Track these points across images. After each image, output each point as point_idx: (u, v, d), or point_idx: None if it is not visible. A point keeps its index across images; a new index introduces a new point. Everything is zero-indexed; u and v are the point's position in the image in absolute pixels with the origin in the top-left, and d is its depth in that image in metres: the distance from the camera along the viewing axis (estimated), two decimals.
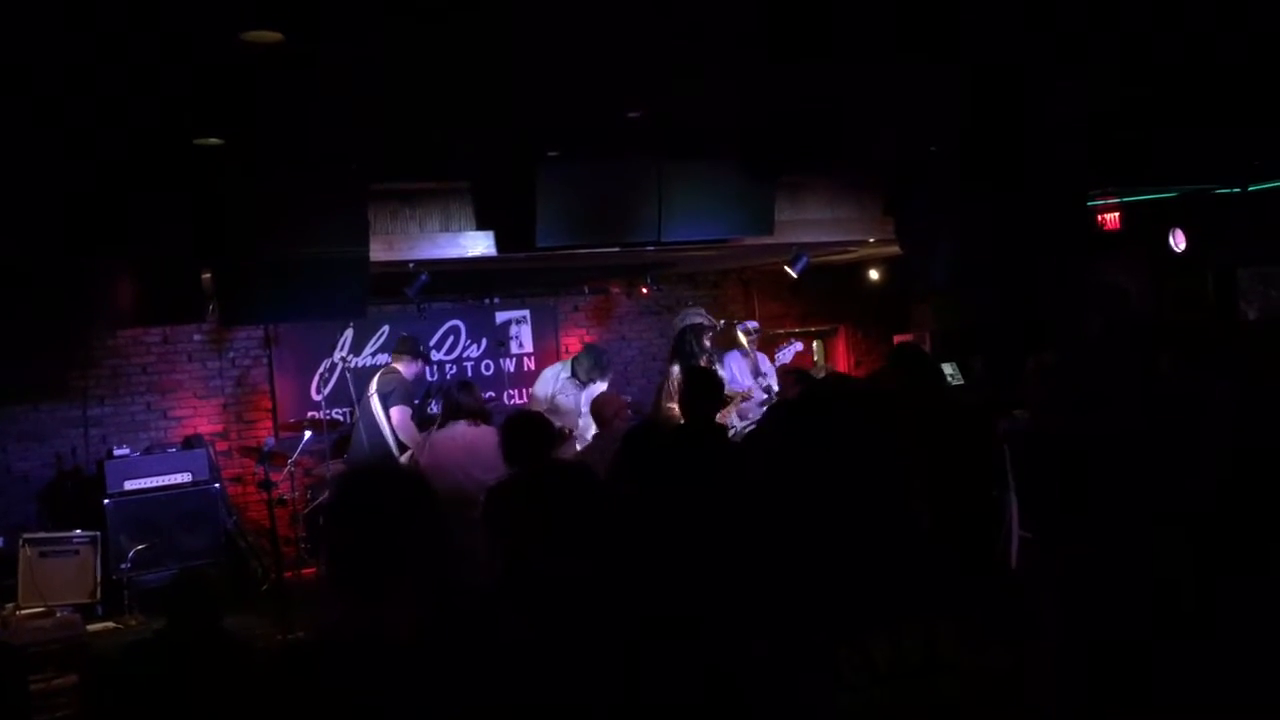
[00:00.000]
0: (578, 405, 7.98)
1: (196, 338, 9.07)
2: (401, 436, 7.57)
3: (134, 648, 4.11)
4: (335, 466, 8.15)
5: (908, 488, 1.98)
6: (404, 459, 7.51)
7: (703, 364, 7.71)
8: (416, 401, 8.17)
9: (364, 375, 9.30)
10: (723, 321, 8.70)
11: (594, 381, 8.00)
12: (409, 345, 8.19)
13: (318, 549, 7.53)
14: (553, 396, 8.05)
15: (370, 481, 2.28)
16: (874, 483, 1.97)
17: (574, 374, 8.09)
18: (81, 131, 4.99)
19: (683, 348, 7.96)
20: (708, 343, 7.98)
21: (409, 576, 2.09)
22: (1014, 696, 1.86)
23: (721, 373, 7.63)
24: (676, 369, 7.81)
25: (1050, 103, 5.98)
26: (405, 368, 8.05)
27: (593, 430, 6.85)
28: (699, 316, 8.24)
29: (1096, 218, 8.46)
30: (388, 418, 7.64)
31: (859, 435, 2.04)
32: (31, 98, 4.39)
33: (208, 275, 6.67)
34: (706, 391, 4.91)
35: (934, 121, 6.38)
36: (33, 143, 5.08)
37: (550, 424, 4.79)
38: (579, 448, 7.23)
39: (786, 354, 8.41)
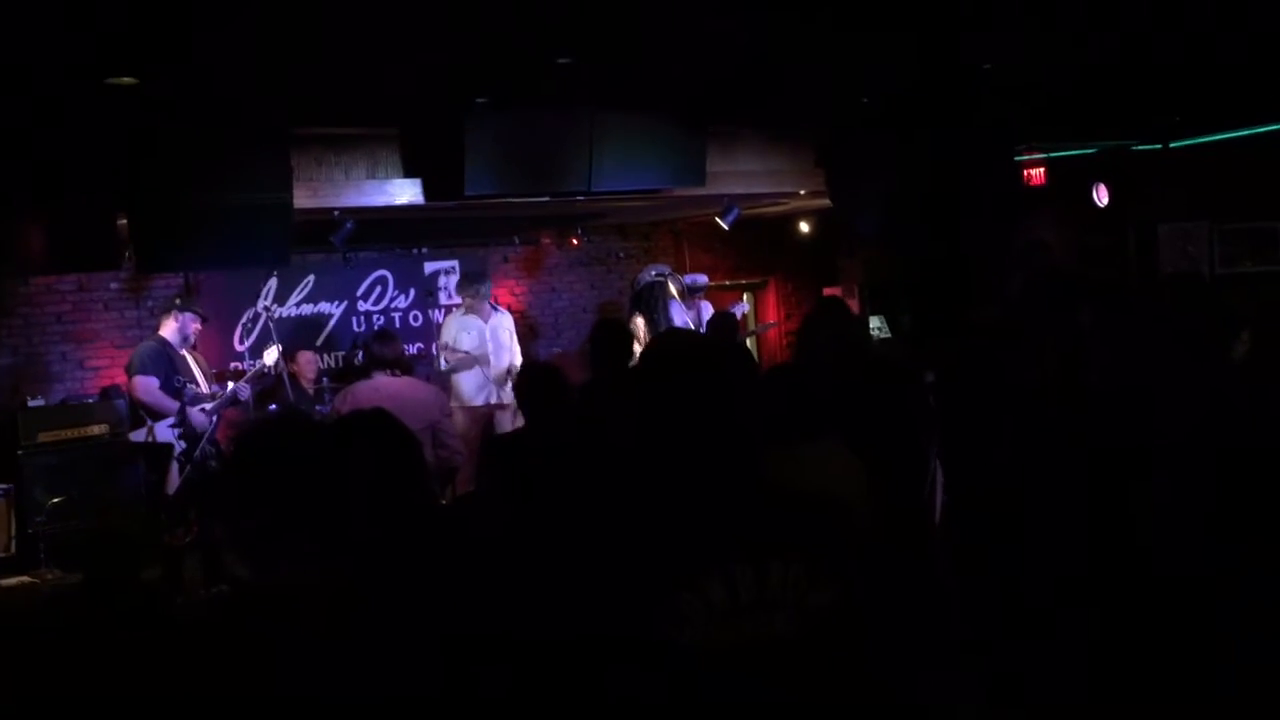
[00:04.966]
0: (483, 341, 8.27)
1: (113, 286, 8.81)
2: (150, 405, 7.16)
3: (52, 603, 4.03)
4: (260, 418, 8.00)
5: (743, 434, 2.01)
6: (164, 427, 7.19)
7: (660, 317, 8.53)
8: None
9: (288, 326, 9.15)
10: (684, 277, 9.38)
11: (478, 294, 8.35)
12: (168, 303, 7.58)
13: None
14: (455, 338, 8.23)
15: (261, 437, 2.21)
16: (704, 430, 1.98)
17: (465, 307, 8.46)
18: None
19: (649, 300, 8.66)
20: (672, 293, 8.73)
21: (308, 534, 2.04)
22: (847, 632, 1.98)
23: (676, 321, 8.52)
24: (641, 320, 8.48)
25: (981, 57, 6.02)
26: (168, 329, 7.52)
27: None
28: (664, 273, 8.97)
29: (1022, 173, 8.56)
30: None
31: (691, 386, 2.06)
32: None
33: (123, 221, 6.45)
34: (615, 345, 4.96)
35: (866, 74, 6.37)
36: None
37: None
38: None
39: (737, 311, 8.81)
